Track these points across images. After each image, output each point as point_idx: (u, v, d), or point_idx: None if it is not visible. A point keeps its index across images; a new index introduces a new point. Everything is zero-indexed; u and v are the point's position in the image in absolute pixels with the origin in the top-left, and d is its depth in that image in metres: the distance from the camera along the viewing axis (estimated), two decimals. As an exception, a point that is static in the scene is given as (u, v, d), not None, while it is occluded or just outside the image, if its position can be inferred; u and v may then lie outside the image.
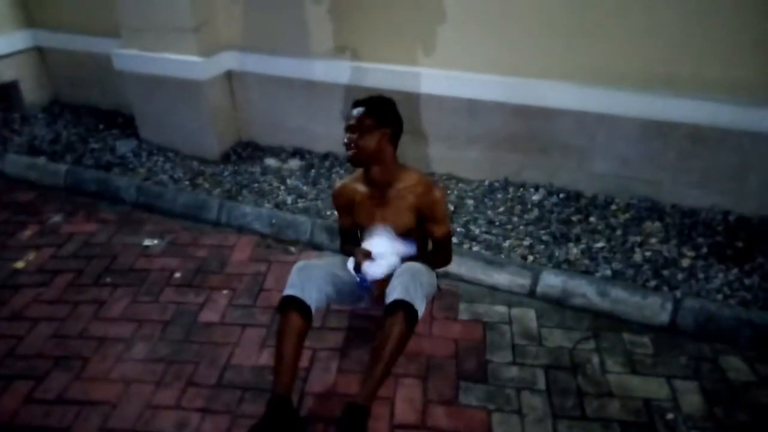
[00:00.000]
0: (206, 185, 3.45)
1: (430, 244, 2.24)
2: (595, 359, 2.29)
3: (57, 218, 3.32)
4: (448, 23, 3.07)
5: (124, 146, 3.87)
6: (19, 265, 2.92)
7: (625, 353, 2.31)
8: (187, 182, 3.48)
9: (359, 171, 2.17)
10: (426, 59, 3.21)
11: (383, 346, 1.89)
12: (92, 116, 4.34)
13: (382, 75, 3.29)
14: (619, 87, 2.87)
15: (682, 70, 2.77)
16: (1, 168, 3.76)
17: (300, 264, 2.11)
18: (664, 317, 2.41)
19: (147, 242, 3.08)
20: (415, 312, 1.92)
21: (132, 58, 3.61)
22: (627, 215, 2.96)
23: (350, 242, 2.30)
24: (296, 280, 2.04)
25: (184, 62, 3.46)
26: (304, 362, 2.28)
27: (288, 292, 2.02)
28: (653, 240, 2.77)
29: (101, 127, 4.19)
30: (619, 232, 2.85)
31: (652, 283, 2.52)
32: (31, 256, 2.99)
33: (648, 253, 2.69)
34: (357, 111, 2.02)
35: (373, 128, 2.01)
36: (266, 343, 2.40)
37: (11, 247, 3.07)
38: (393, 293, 1.95)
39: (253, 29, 3.55)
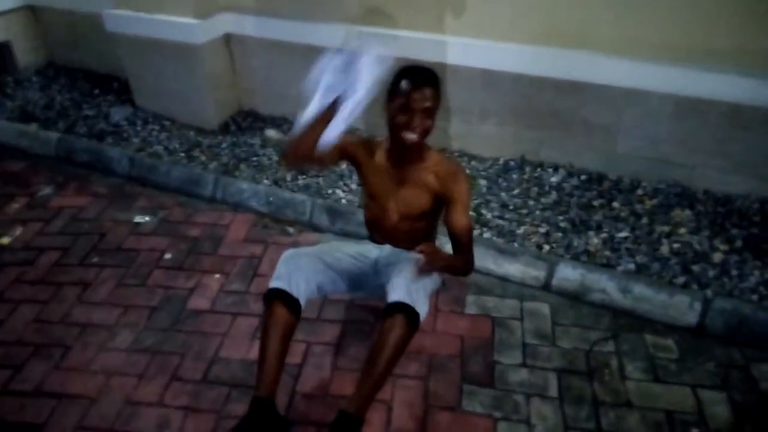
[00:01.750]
0: (203, 158, 3.25)
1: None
2: (614, 363, 2.09)
3: (47, 190, 3.15)
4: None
5: (119, 113, 3.66)
6: (4, 241, 2.77)
7: (647, 357, 2.11)
8: (182, 154, 3.28)
9: (381, 142, 1.93)
10: (437, 25, 2.93)
11: (380, 352, 1.70)
12: (87, 80, 4.13)
13: (395, 42, 3.02)
14: (651, 59, 2.58)
15: (721, 42, 2.47)
16: (-9, 135, 3.59)
17: (288, 253, 1.92)
18: (691, 318, 2.20)
19: (138, 219, 2.91)
20: (417, 315, 1.73)
21: (124, 19, 3.37)
22: (654, 201, 2.71)
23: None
24: (283, 271, 1.85)
25: (179, 24, 3.21)
26: (296, 358, 2.13)
27: (274, 284, 1.83)
28: (682, 230, 2.53)
29: (96, 92, 3.98)
30: (644, 221, 2.61)
31: (680, 279, 2.29)
32: (18, 231, 2.84)
33: (676, 245, 2.46)
34: (433, 92, 1.72)
35: (439, 106, 1.77)
36: (257, 335, 2.23)
37: (-3, 222, 2.92)
38: (392, 293, 1.76)
39: (254, -11, 3.29)
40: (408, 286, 1.75)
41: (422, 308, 1.76)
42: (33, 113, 3.71)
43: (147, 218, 2.92)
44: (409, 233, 1.98)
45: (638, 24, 2.55)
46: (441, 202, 1.87)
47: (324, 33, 3.17)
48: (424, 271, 1.77)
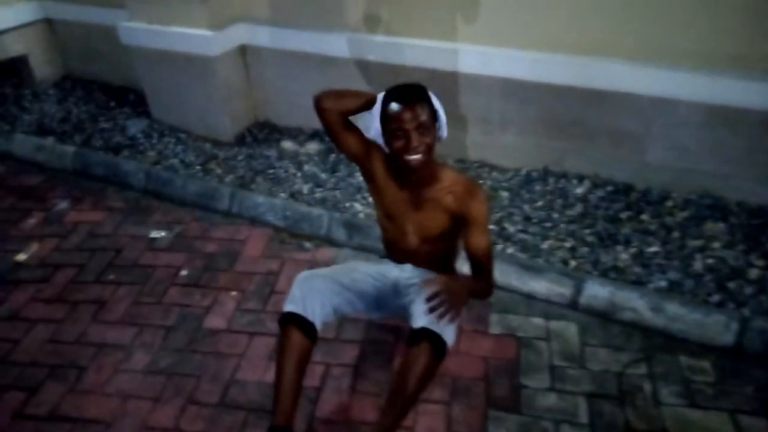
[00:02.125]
0: (218, 171, 3.21)
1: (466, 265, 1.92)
2: (647, 387, 1.99)
3: (63, 205, 3.13)
4: (484, -8, 2.70)
5: (135, 126, 3.64)
6: (21, 257, 2.75)
7: (682, 381, 2.01)
8: (198, 167, 3.25)
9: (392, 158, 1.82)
10: (458, 33, 2.85)
11: (405, 382, 1.62)
12: (103, 92, 4.13)
13: (411, 51, 2.96)
14: (681, 67, 2.48)
15: (754, 49, 2.36)
16: (9, 149, 3.59)
17: (303, 275, 1.85)
18: (728, 338, 2.09)
19: (154, 234, 2.88)
20: (444, 343, 1.65)
21: (139, 31, 3.35)
22: (685, 213, 2.60)
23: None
24: (297, 294, 1.78)
25: (193, 36, 3.18)
26: (314, 380, 2.07)
27: (288, 307, 1.77)
28: (716, 244, 2.42)
29: (112, 104, 3.97)
30: (676, 234, 2.50)
31: (715, 297, 2.19)
32: (34, 247, 2.82)
33: (710, 261, 2.35)
34: (421, 106, 1.62)
35: (435, 118, 1.67)
36: (274, 356, 2.16)
37: (14, 237, 2.90)
38: (417, 318, 1.68)
39: (269, -1, 3.24)
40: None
41: (449, 336, 1.68)
42: (50, 127, 3.71)
43: (163, 233, 2.88)
44: (430, 254, 1.90)
45: (665, 31, 2.45)
46: (460, 222, 1.79)
47: (339, 43, 3.12)
48: (445, 314, 1.64)
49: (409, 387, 1.62)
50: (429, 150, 1.64)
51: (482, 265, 1.78)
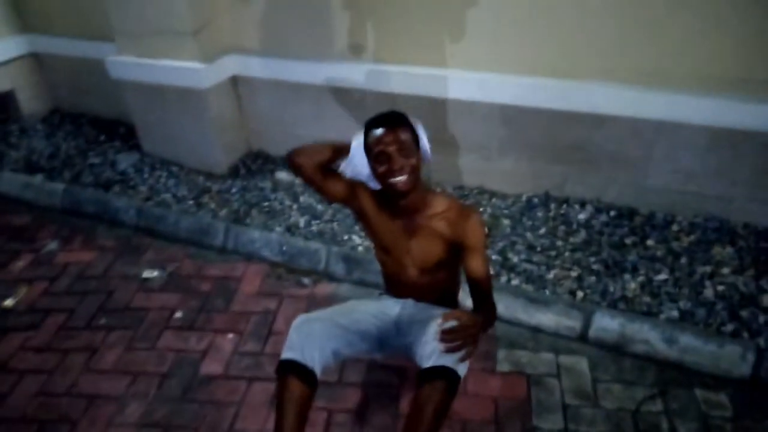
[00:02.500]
0: (212, 205, 3.13)
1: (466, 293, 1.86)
2: (665, 425, 1.91)
3: (52, 246, 3.04)
4: (478, 18, 2.65)
5: (125, 161, 3.57)
6: (9, 303, 2.66)
7: (699, 416, 1.93)
8: (191, 201, 3.17)
9: (379, 192, 1.80)
10: (453, 60, 2.80)
11: (419, 423, 1.54)
12: (93, 126, 4.05)
13: (404, 78, 2.91)
14: (682, 90, 2.44)
15: (757, 71, 2.33)
16: (-4, 187, 3.50)
17: (300, 319, 1.76)
18: (744, 370, 2.02)
19: (146, 274, 2.79)
20: (458, 379, 1.57)
21: (128, 65, 3.29)
22: (691, 238, 2.55)
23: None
24: (295, 341, 1.70)
25: (184, 69, 3.12)
26: (318, 429, 1.98)
27: (286, 355, 1.68)
28: (725, 270, 2.36)
29: (102, 138, 3.89)
30: (684, 260, 2.44)
31: (729, 327, 2.12)
32: (22, 291, 2.72)
33: (720, 288, 2.29)
34: (392, 129, 1.63)
35: (417, 147, 1.66)
36: (274, 403, 2.07)
37: (2, 282, 2.80)
38: (427, 356, 1.60)
39: (259, 30, 3.19)
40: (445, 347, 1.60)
41: (462, 370, 1.60)
42: (38, 163, 3.63)
43: (156, 273, 2.79)
44: (431, 285, 1.84)
45: (666, 54, 2.42)
46: (457, 248, 1.73)
47: (331, 72, 3.07)
48: (460, 349, 1.59)
49: (426, 427, 1.53)
50: (414, 171, 1.63)
51: (482, 289, 1.73)
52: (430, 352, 1.60)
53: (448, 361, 1.56)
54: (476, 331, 1.61)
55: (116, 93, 3.61)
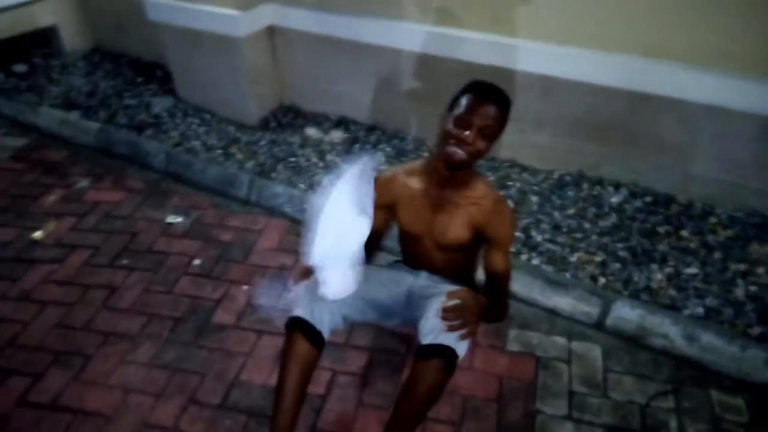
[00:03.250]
0: (240, 156, 3.13)
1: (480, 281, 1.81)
2: (673, 424, 1.85)
3: (84, 183, 3.10)
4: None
5: (160, 104, 3.58)
6: (37, 236, 2.73)
7: (712, 419, 1.86)
8: (219, 150, 3.17)
9: (419, 163, 1.74)
10: (493, 25, 2.67)
11: (412, 398, 1.53)
12: (132, 67, 4.07)
13: (442, 41, 2.80)
14: (737, 74, 2.27)
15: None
16: (35, 121, 3.57)
17: (312, 279, 1.76)
18: (766, 375, 1.93)
19: (170, 219, 2.82)
20: (455, 357, 1.55)
21: (166, 8, 3.25)
22: (729, 232, 2.41)
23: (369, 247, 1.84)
24: (305, 300, 1.69)
25: (220, 15, 3.07)
26: (320, 388, 1.99)
27: (297, 312, 1.68)
28: (761, 270, 2.24)
29: (139, 80, 3.92)
30: (717, 255, 2.32)
31: (756, 330, 2.02)
32: (51, 226, 2.79)
33: (753, 288, 2.17)
34: (494, 109, 1.53)
35: (500, 133, 1.57)
36: (280, 357, 2.09)
37: (33, 214, 2.88)
38: (428, 332, 1.58)
39: (300, -22, 3.10)
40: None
41: (461, 349, 1.57)
42: (76, 100, 3.68)
43: (179, 218, 2.82)
44: (447, 263, 1.79)
45: (724, 34, 2.24)
46: (481, 237, 1.67)
47: (373, 30, 2.97)
48: (458, 329, 1.56)
49: (418, 403, 1.53)
50: (476, 156, 1.55)
51: (499, 285, 1.68)
52: (430, 329, 1.57)
53: (447, 339, 1.54)
54: (478, 311, 1.58)
55: (155, 35, 3.59)
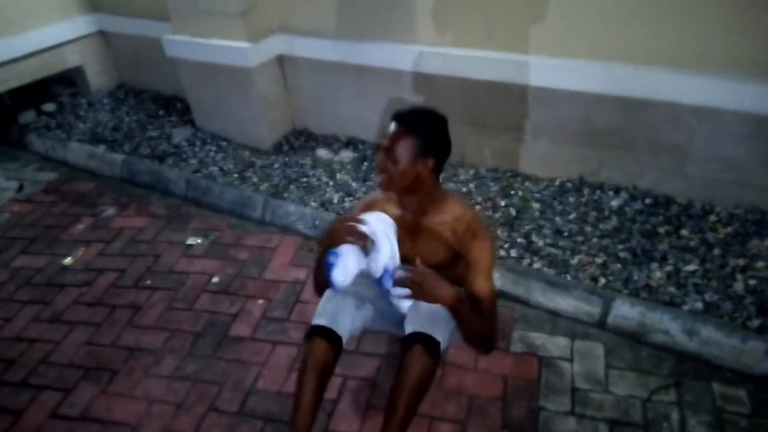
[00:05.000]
0: (255, 179, 3.28)
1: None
2: (675, 416, 1.89)
3: (110, 211, 3.29)
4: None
5: (180, 135, 3.78)
6: (67, 262, 2.91)
7: (713, 411, 1.89)
8: (236, 175, 3.33)
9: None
10: (489, 41, 2.79)
11: (401, 389, 1.59)
12: (153, 102, 4.30)
13: (440, 60, 2.93)
14: (726, 75, 2.33)
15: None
16: (64, 156, 3.80)
17: (331, 291, 1.85)
18: (767, 366, 1.96)
19: (191, 241, 2.97)
20: (436, 344, 1.61)
21: (182, 44, 3.47)
22: (729, 229, 2.45)
23: None
24: (328, 308, 1.78)
25: (233, 48, 3.26)
26: (332, 393, 2.08)
27: (317, 321, 1.76)
28: (760, 264, 2.27)
29: (161, 113, 4.14)
30: (717, 251, 2.36)
31: (755, 322, 2.05)
32: (80, 252, 2.97)
33: (752, 282, 2.20)
34: (396, 131, 1.57)
35: (415, 157, 1.56)
36: (295, 366, 2.20)
37: (63, 242, 3.07)
38: (409, 324, 1.67)
39: (306, 10, 3.28)
40: (425, 315, 1.65)
41: (442, 335, 1.64)
42: (102, 135, 3.90)
43: (199, 240, 2.98)
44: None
45: (710, 37, 2.32)
46: (461, 258, 1.71)
47: (376, 54, 3.12)
48: (404, 285, 1.58)
49: (406, 392, 1.59)
50: (393, 180, 1.59)
51: (483, 308, 1.65)
52: (411, 321, 1.66)
53: (426, 328, 1.61)
54: (434, 293, 1.57)
55: (173, 70, 3.81)
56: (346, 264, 1.65)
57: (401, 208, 1.75)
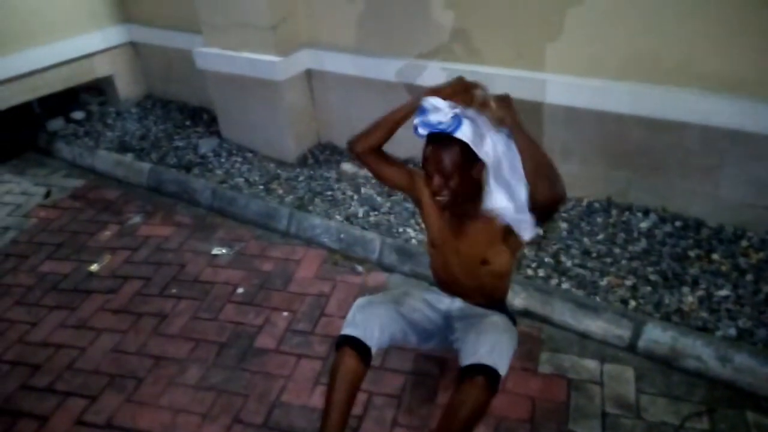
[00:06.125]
0: (280, 191, 3.30)
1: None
2: (708, 444, 1.85)
3: (136, 219, 3.32)
4: (543, 18, 2.64)
5: (206, 145, 3.82)
6: (94, 268, 2.94)
7: (748, 440, 1.86)
8: (261, 186, 3.36)
9: None
10: (519, 60, 2.80)
11: (456, 417, 1.58)
12: (180, 112, 4.36)
13: (469, 78, 2.93)
14: (761, 98, 2.32)
15: None
16: (92, 164, 3.85)
17: (361, 301, 1.85)
18: (804, 396, 1.92)
19: (216, 251, 2.99)
20: (498, 377, 1.61)
21: (212, 56, 3.52)
22: (761, 255, 2.42)
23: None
24: (358, 318, 1.78)
25: (263, 62, 3.30)
26: (357, 408, 2.06)
27: (347, 331, 1.76)
28: (795, 291, 2.23)
29: (187, 123, 4.19)
30: (749, 277, 2.32)
31: (791, 350, 2.01)
32: (106, 259, 3.00)
33: (787, 309, 2.17)
34: (440, 149, 1.58)
35: (470, 165, 1.61)
36: (320, 380, 2.19)
37: (90, 248, 3.10)
38: (471, 353, 1.65)
39: (335, 26, 3.32)
40: (488, 345, 1.64)
41: (503, 368, 1.64)
42: (130, 144, 3.95)
43: (224, 250, 2.99)
44: (477, 289, 1.86)
45: (742, 59, 2.30)
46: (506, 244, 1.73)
47: (403, 70, 3.14)
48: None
49: (462, 422, 1.58)
50: (455, 194, 1.63)
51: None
52: (473, 351, 1.64)
53: (490, 359, 1.60)
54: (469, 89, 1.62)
55: (202, 82, 3.87)
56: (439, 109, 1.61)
57: (452, 212, 1.77)
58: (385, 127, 1.77)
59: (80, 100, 4.47)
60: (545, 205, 1.54)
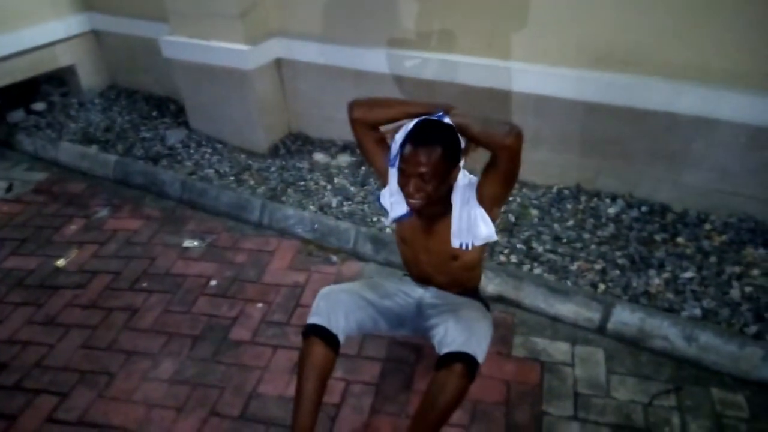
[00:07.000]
0: (251, 182, 3.26)
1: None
2: (676, 421, 1.92)
3: (103, 212, 3.25)
4: (513, 6, 2.66)
5: (174, 136, 3.75)
6: (60, 263, 2.86)
7: (713, 415, 1.93)
8: (232, 177, 3.31)
9: None
10: (491, 49, 2.82)
11: (434, 404, 1.60)
12: (146, 103, 4.25)
13: (438, 66, 2.95)
14: (722, 86, 2.39)
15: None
16: (55, 156, 3.74)
17: (326, 289, 1.86)
18: (764, 372, 2.00)
19: (187, 243, 2.95)
20: (476, 364, 1.63)
21: (179, 45, 3.44)
22: (724, 238, 2.50)
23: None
24: (322, 307, 1.79)
25: (231, 50, 3.25)
26: (334, 397, 2.07)
27: (312, 320, 1.78)
28: (755, 272, 2.32)
29: (154, 114, 4.09)
30: (713, 259, 2.41)
31: (752, 328, 2.09)
32: (73, 254, 2.92)
33: (748, 289, 2.25)
34: (422, 151, 1.55)
35: (450, 168, 1.60)
36: (296, 370, 2.16)
37: (56, 243, 3.02)
38: (448, 341, 1.66)
39: (305, 14, 3.28)
40: (466, 333, 1.66)
41: (481, 356, 1.66)
42: (94, 135, 3.85)
43: (196, 243, 2.95)
44: (449, 282, 1.89)
45: (707, 48, 2.37)
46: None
47: (374, 59, 3.13)
48: None
49: (439, 408, 1.60)
50: (429, 196, 1.60)
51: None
52: (451, 339, 1.66)
53: (468, 347, 1.62)
54: None
55: (168, 71, 3.78)
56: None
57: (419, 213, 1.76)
58: (393, 113, 1.69)
59: (41, 90, 4.33)
60: (509, 146, 1.56)
